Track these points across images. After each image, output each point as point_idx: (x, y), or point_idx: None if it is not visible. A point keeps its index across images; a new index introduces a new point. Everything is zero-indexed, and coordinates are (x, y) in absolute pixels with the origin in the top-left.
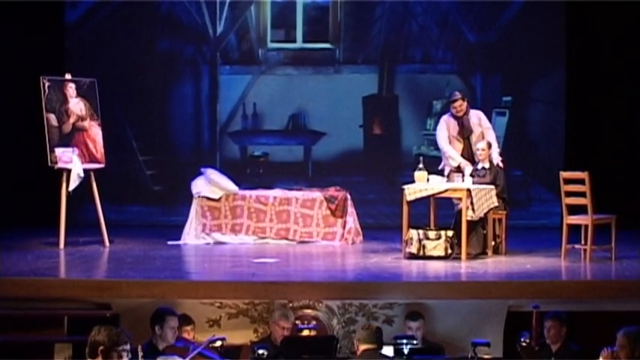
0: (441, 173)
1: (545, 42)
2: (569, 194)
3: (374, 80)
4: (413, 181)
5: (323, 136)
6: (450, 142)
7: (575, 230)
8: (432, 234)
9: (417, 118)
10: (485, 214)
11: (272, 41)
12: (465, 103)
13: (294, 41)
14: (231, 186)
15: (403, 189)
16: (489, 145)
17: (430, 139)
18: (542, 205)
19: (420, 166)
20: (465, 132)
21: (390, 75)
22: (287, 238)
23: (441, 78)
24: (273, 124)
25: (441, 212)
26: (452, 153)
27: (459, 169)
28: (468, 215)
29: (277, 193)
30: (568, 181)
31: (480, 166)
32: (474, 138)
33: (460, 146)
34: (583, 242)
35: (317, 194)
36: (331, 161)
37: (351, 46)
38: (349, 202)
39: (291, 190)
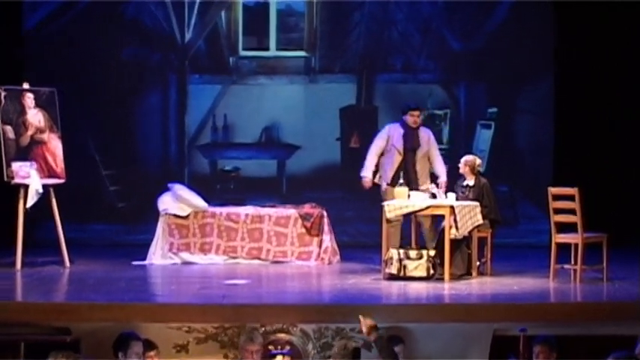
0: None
1: (533, 50)
2: (558, 211)
3: (352, 90)
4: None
5: (298, 149)
6: (385, 153)
7: (564, 249)
8: (413, 253)
9: None
10: (470, 233)
11: (244, 49)
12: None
13: (267, 49)
14: (200, 202)
15: (383, 206)
16: (469, 162)
17: None
18: (530, 222)
19: (401, 181)
20: (412, 144)
21: (369, 85)
22: (259, 258)
23: (423, 88)
24: (244, 137)
25: (423, 230)
26: (367, 164)
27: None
28: (451, 234)
29: (249, 210)
30: (557, 198)
31: (464, 183)
32: (419, 154)
33: (399, 159)
34: (573, 262)
35: (291, 211)
36: (306, 176)
37: (327, 55)
38: (325, 220)
39: (264, 207)
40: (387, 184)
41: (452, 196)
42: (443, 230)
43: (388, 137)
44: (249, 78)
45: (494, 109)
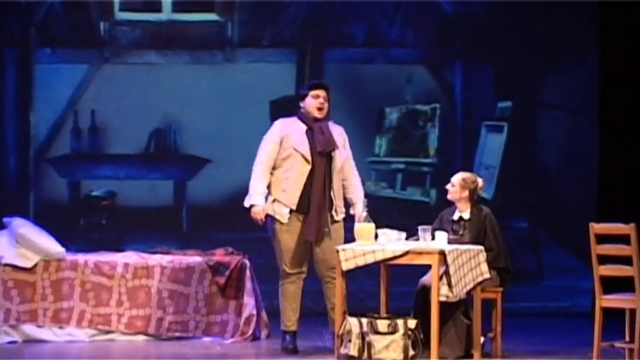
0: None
1: (567, 17)
2: (604, 260)
3: (289, 73)
4: (352, 239)
5: (206, 164)
6: (282, 163)
7: (614, 318)
8: (382, 325)
9: (360, 135)
10: (470, 293)
11: (122, 9)
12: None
13: (159, 10)
14: (53, 247)
15: (337, 251)
16: (467, 182)
17: (380, 170)
18: (562, 276)
19: (364, 214)
20: (324, 144)
21: (316, 65)
22: (146, 333)
23: (398, 70)
24: (123, 145)
25: (397, 289)
26: (255, 185)
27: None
28: (441, 294)
29: (130, 258)
30: (603, 239)
31: (454, 216)
32: (337, 161)
33: (307, 169)
34: (627, 338)
35: (196, 260)
36: (219, 206)
37: (251, 19)
38: (248, 273)
39: (154, 254)
40: (293, 211)
41: (442, 235)
42: (424, 289)
43: (282, 137)
44: (131, 54)
45: (508, 104)
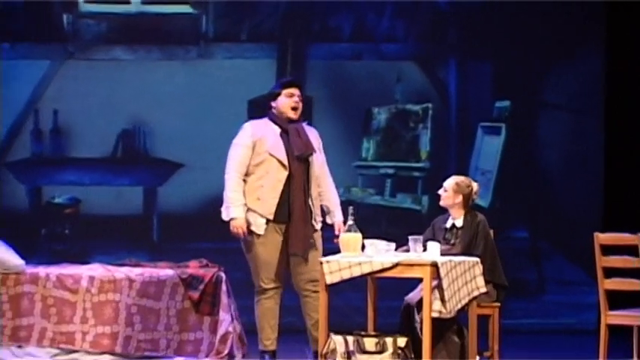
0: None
1: (569, 12)
2: (610, 273)
3: (269, 71)
4: (337, 250)
5: (178, 169)
6: (254, 170)
7: (621, 335)
8: (369, 343)
9: (346, 137)
10: (465, 308)
11: (87, 1)
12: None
13: (128, 2)
14: (11, 259)
15: (320, 263)
16: (461, 187)
17: (368, 175)
18: (565, 291)
19: (350, 222)
20: (301, 148)
21: (298, 62)
22: (113, 352)
23: (387, 67)
24: (88, 149)
25: (385, 304)
26: (232, 196)
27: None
28: (434, 310)
29: (95, 271)
30: (609, 250)
31: (446, 224)
32: (315, 166)
33: (285, 175)
34: (635, 357)
35: (167, 273)
36: (192, 213)
37: (228, 12)
38: (224, 287)
39: (121, 267)
40: (270, 221)
41: (434, 246)
42: (409, 308)
43: (254, 141)
44: (97, 50)
45: (506, 104)
